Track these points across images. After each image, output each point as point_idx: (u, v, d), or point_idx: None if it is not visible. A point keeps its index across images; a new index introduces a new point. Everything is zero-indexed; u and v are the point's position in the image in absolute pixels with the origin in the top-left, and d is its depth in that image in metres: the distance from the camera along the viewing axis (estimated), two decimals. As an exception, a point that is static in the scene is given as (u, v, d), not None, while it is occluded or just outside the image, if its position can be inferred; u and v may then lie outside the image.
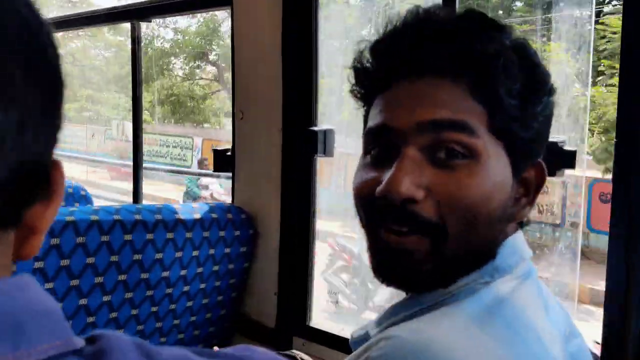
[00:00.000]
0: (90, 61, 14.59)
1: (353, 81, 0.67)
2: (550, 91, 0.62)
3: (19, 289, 0.30)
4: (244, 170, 1.46)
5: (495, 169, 0.59)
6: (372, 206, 0.60)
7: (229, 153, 1.49)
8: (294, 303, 1.41)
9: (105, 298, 1.21)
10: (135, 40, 1.82)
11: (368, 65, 0.65)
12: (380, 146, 0.61)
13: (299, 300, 1.41)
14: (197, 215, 1.31)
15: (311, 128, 1.32)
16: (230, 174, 1.50)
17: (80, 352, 0.32)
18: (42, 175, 0.33)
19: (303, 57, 1.34)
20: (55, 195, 0.34)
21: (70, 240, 1.13)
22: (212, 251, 1.35)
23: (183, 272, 1.31)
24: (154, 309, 1.30)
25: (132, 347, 0.33)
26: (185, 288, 1.33)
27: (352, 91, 0.68)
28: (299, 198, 1.37)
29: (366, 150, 0.63)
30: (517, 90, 0.58)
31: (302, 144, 1.33)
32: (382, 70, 0.63)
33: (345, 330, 1.37)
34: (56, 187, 0.34)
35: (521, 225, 0.66)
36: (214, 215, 1.35)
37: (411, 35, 0.61)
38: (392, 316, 0.63)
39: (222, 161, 1.50)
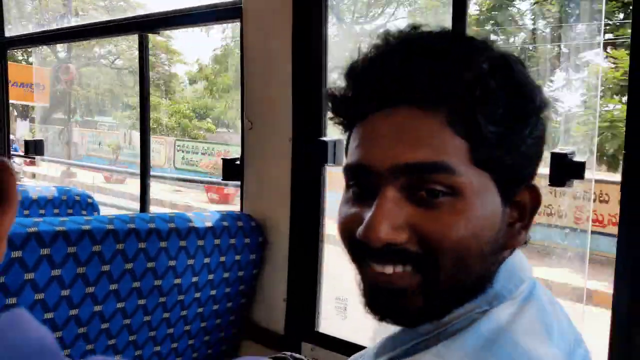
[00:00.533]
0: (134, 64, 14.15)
1: (330, 108, 0.64)
2: (540, 108, 0.58)
3: (11, 326, 0.30)
4: (254, 178, 1.49)
5: (482, 203, 0.55)
6: (356, 244, 0.57)
7: (237, 162, 1.52)
8: (302, 309, 1.43)
9: (119, 305, 1.23)
10: (143, 51, 1.84)
11: (344, 92, 0.61)
12: (360, 184, 0.59)
13: (307, 306, 1.44)
14: (209, 223, 1.34)
15: (321, 138, 1.35)
16: (239, 182, 1.53)
17: None
18: None
19: (313, 68, 1.37)
20: (9, 199, 0.33)
21: (86, 248, 1.15)
22: (222, 258, 1.37)
23: (195, 279, 1.34)
24: (166, 315, 1.32)
25: None
26: (197, 295, 1.36)
27: (332, 119, 0.65)
28: (309, 206, 1.40)
29: (347, 185, 0.60)
30: (499, 116, 0.54)
31: (313, 154, 1.35)
32: (357, 98, 0.60)
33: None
34: (9, 190, 0.33)
35: None
36: (225, 223, 1.37)
37: (384, 61, 0.57)
38: (390, 350, 0.61)
39: (231, 170, 1.53)
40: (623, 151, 0.97)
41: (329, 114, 0.65)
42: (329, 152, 1.35)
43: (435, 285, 0.55)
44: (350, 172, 0.59)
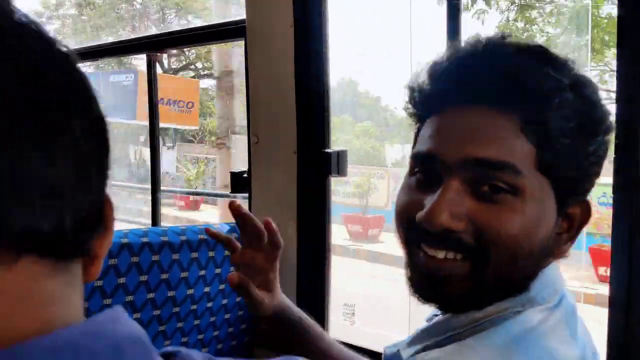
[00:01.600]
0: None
1: (407, 99, 0.68)
2: (607, 130, 0.61)
3: (115, 319, 0.37)
4: (261, 191, 1.54)
5: (539, 206, 0.59)
6: (412, 228, 0.61)
7: (245, 175, 1.57)
8: (312, 316, 1.48)
9: (135, 315, 1.28)
10: (151, 70, 1.91)
11: (424, 86, 0.65)
12: (425, 171, 0.62)
13: (316, 314, 1.48)
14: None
15: (325, 150, 1.41)
16: (246, 195, 1.58)
17: None
18: (101, 211, 0.39)
19: (315, 83, 1.43)
20: (109, 225, 0.40)
21: (104, 262, 1.20)
22: (233, 269, 1.42)
23: (207, 289, 1.39)
24: (179, 324, 1.37)
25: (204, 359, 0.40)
26: (209, 304, 1.41)
27: (406, 109, 0.69)
28: (315, 216, 1.45)
29: (412, 172, 0.64)
30: (570, 130, 0.58)
31: (317, 166, 1.41)
32: (437, 92, 0.64)
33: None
34: (109, 217, 0.40)
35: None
36: (235, 235, 1.42)
37: (470, 63, 0.61)
38: (424, 339, 0.65)
39: (239, 183, 1.58)
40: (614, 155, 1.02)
41: (404, 106, 0.69)
42: (332, 163, 1.40)
43: (483, 277, 0.59)
44: (419, 159, 0.63)
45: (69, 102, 0.35)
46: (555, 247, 0.63)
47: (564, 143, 0.58)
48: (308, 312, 1.48)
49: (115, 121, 10.44)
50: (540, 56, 0.61)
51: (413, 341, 0.67)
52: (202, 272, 1.36)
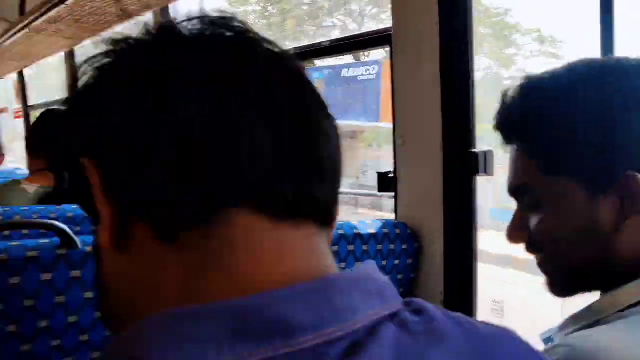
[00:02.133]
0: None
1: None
2: (595, 121, 0.67)
3: (375, 270, 0.49)
4: (407, 190, 1.62)
5: (561, 204, 0.70)
6: None
7: (391, 175, 1.66)
8: (460, 311, 1.52)
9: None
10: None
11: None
12: None
13: (464, 309, 1.53)
14: (372, 230, 1.49)
15: (472, 150, 1.45)
16: (392, 194, 1.67)
17: (406, 309, 0.47)
18: None
19: (460, 86, 1.48)
20: None
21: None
22: (384, 262, 1.52)
23: (359, 281, 1.49)
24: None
25: (436, 308, 0.49)
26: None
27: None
28: (461, 215, 1.50)
29: None
30: (556, 134, 0.70)
31: (464, 165, 1.45)
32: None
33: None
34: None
35: None
36: (385, 231, 1.52)
37: (503, 110, 0.79)
38: (573, 325, 0.71)
39: (385, 183, 1.68)
40: None
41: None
42: (479, 162, 1.44)
43: (557, 268, 0.75)
44: None
45: (323, 107, 0.49)
46: (620, 222, 0.67)
47: (554, 148, 0.70)
48: (456, 308, 1.53)
49: (352, 123, 9.14)
50: (521, 87, 0.76)
51: (563, 326, 0.74)
52: (358, 264, 1.47)
